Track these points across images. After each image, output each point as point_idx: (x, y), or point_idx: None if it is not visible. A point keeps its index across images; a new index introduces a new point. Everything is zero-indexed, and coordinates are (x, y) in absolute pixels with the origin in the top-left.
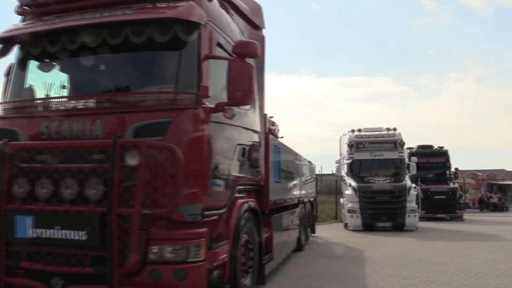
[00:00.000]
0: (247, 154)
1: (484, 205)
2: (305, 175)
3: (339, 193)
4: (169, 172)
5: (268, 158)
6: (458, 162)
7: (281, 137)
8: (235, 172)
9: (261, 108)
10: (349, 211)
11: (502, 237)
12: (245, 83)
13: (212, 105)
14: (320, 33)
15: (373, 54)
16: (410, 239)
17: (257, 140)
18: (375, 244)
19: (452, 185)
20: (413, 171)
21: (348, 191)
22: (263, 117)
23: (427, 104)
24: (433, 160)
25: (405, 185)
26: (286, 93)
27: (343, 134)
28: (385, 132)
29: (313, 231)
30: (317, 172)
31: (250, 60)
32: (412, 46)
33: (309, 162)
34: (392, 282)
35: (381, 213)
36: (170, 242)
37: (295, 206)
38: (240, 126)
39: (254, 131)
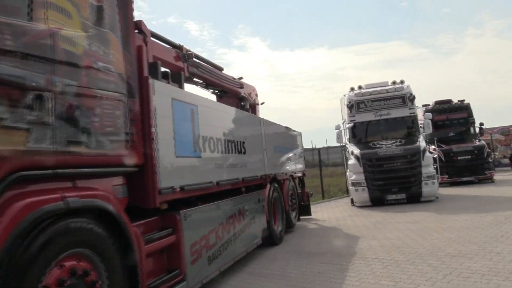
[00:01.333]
0: (80, 112)
1: None
2: (277, 147)
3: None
4: None
5: (151, 120)
6: (483, 120)
7: (262, 103)
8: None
9: (127, 34)
10: (354, 184)
11: None
12: None
13: None
14: (329, 3)
15: (385, 19)
16: (426, 215)
17: (117, 88)
18: (379, 226)
19: (478, 143)
20: (429, 129)
21: (351, 161)
22: (137, 51)
23: (445, 64)
24: (453, 116)
25: (419, 147)
26: (302, 69)
27: (344, 95)
28: (391, 86)
29: (308, 213)
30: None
31: None
32: (425, 5)
33: (288, 129)
34: None
35: (392, 183)
36: None
37: (258, 187)
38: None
39: (107, 73)
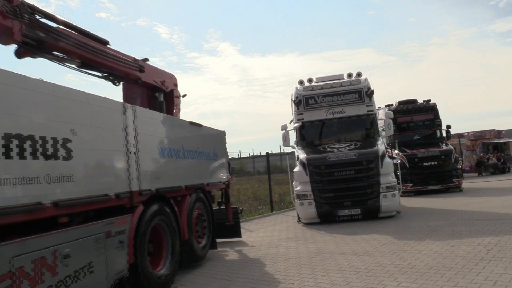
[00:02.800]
0: None
1: (483, 168)
2: (172, 149)
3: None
4: None
5: None
6: (456, 129)
7: (183, 96)
8: None
9: None
10: (298, 196)
11: None
12: None
13: None
14: (299, 9)
15: (354, 26)
16: (382, 241)
17: None
18: (316, 260)
19: (445, 147)
20: (390, 131)
21: (296, 168)
22: None
23: (412, 72)
24: (418, 118)
25: (376, 152)
26: (272, 74)
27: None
28: (345, 79)
29: (236, 234)
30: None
31: None
32: (392, 14)
33: (196, 125)
34: None
35: (344, 195)
36: None
37: (116, 210)
38: None
39: None
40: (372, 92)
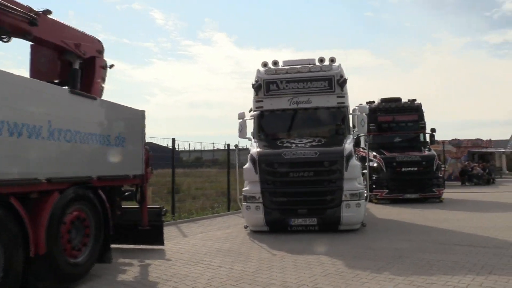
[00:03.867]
0: None
1: (467, 177)
2: (22, 125)
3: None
4: None
5: None
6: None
7: (111, 66)
8: None
9: None
10: (246, 198)
11: None
12: None
13: None
14: (297, 5)
15: (350, 26)
16: (328, 268)
17: None
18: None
19: (427, 152)
20: (363, 128)
21: (246, 165)
22: None
23: (407, 77)
24: (401, 118)
25: (342, 152)
26: None
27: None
28: (316, 64)
29: (157, 241)
30: None
31: None
32: (389, 18)
33: (89, 98)
34: None
35: (299, 201)
36: None
37: None
38: None
39: None
40: (345, 81)
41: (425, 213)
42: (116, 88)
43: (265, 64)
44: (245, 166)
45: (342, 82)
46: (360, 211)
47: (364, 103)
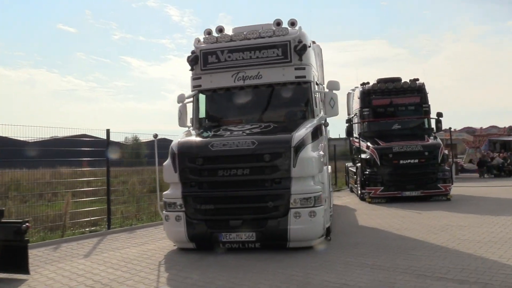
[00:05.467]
0: None
1: (486, 169)
2: None
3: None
4: None
5: None
6: (457, 124)
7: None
8: None
9: None
10: (166, 205)
11: None
12: None
13: None
14: None
15: (367, 17)
16: None
17: None
18: None
19: (431, 141)
20: (333, 110)
21: (166, 161)
22: None
23: (424, 66)
24: (400, 101)
25: (288, 141)
26: None
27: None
28: (268, 29)
29: (21, 269)
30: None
31: None
32: (406, 6)
33: None
34: None
35: (233, 209)
36: None
37: None
38: None
39: None
40: (304, 47)
41: (422, 216)
42: (132, 85)
43: (208, 32)
44: (164, 163)
45: (301, 49)
46: (316, 222)
47: (359, 85)
